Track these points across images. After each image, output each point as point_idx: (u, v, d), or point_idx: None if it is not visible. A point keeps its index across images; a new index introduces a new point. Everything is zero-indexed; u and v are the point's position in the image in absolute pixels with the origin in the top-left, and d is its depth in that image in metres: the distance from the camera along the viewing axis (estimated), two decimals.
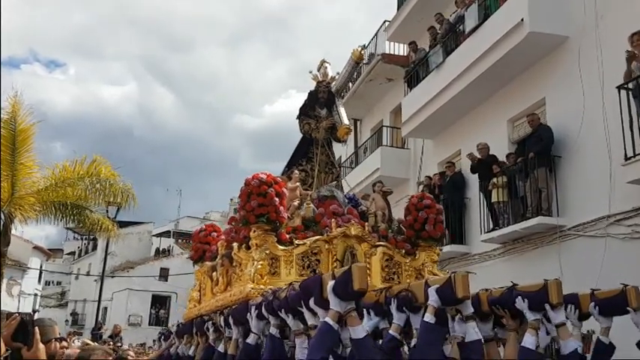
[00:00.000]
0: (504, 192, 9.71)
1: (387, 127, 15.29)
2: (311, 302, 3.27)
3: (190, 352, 5.54)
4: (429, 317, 3.13)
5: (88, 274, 38.01)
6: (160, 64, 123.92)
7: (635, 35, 7.54)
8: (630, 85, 7.50)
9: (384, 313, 3.71)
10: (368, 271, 4.53)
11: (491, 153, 10.30)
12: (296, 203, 5.80)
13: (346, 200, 6.30)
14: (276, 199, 5.14)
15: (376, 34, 16.15)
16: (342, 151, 13.85)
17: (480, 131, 11.05)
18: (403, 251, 5.74)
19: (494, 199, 9.90)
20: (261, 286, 4.82)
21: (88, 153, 13.72)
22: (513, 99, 10.49)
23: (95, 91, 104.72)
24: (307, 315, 3.39)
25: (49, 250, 37.55)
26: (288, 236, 5.35)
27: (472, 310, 3.25)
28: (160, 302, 34.54)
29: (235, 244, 5.51)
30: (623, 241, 7.85)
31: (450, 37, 11.59)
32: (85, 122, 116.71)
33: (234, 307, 4.73)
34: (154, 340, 23.66)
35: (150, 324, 33.20)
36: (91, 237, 35.78)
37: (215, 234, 6.69)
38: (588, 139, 8.66)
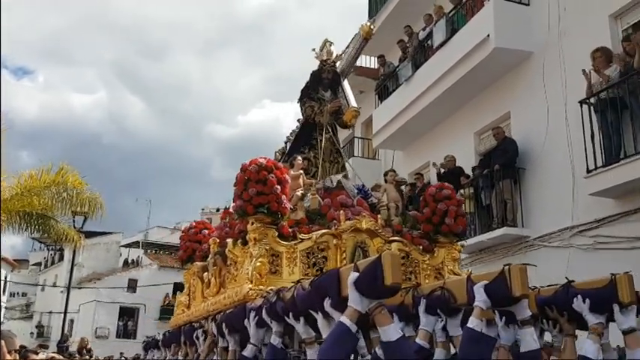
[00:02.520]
0: (471, 203, 9.87)
1: (358, 138, 15.44)
2: (326, 304, 2.62)
3: None
4: (475, 322, 2.54)
5: (54, 285, 37.21)
6: (131, 71, 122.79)
7: (597, 52, 7.77)
8: (592, 100, 7.72)
9: (408, 317, 3.16)
10: None
11: (458, 165, 10.47)
12: (299, 193, 5.15)
13: (355, 191, 5.66)
14: (278, 187, 4.52)
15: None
16: None
17: (447, 143, 11.22)
18: (420, 248, 5.14)
19: None
20: (261, 287, 4.22)
21: (56, 161, 13.42)
22: (479, 112, 10.70)
23: (64, 99, 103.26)
24: (321, 322, 2.71)
25: (15, 260, 36.70)
26: (290, 230, 4.72)
27: (529, 312, 2.67)
28: (128, 314, 33.95)
29: (230, 240, 4.89)
30: (586, 252, 8.04)
31: (419, 51, 11.79)
32: (54, 130, 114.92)
33: (228, 311, 4.16)
34: (121, 353, 23.27)
35: (117, 337, 32.61)
36: (58, 247, 35.11)
37: (206, 231, 6.09)
38: (552, 152, 8.87)
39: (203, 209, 43.35)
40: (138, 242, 39.72)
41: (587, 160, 7.60)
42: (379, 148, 13.95)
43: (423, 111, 11.37)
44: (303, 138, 6.14)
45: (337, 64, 6.34)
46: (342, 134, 16.80)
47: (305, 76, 6.35)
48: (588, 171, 7.59)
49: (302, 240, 4.70)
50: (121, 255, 39.13)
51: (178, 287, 32.75)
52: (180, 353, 5.08)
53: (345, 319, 2.36)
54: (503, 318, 2.76)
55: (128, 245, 39.57)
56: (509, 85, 10.03)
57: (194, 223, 6.40)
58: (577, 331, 3.11)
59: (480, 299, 2.59)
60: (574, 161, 8.27)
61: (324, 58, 6.25)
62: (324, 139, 5.97)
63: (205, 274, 5.27)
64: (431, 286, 3.09)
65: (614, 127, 7.38)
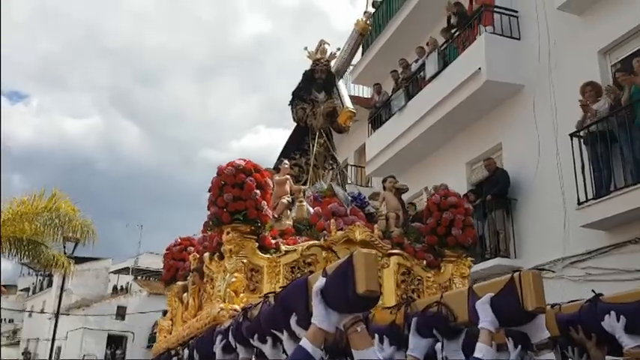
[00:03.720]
0: None
1: (352, 165, 15.56)
2: (292, 322, 2.16)
3: None
4: (483, 350, 2.04)
5: (42, 311, 36.72)
6: (126, 96, 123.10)
7: (587, 86, 7.93)
8: (582, 133, 7.85)
9: (401, 340, 2.60)
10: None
11: None
12: (285, 201, 4.67)
13: (349, 198, 5.03)
14: (257, 192, 4.03)
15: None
16: None
17: (439, 173, 11.30)
18: (424, 263, 4.56)
19: None
20: (235, 307, 3.64)
21: (49, 186, 13.46)
22: (471, 143, 10.82)
23: (58, 123, 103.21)
24: (287, 344, 2.29)
25: (3, 285, 36.25)
26: (273, 241, 4.21)
27: (547, 332, 2.14)
28: (116, 342, 33.46)
29: (207, 254, 4.39)
30: (578, 283, 8.08)
31: (412, 81, 11.96)
32: (47, 155, 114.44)
33: (200, 336, 3.74)
34: None
35: None
36: (47, 273, 34.74)
37: (192, 249, 5.42)
38: (543, 183, 8.97)
39: (195, 235, 43.05)
40: (128, 268, 39.38)
41: (577, 192, 7.69)
42: (372, 175, 14.04)
43: (416, 140, 11.48)
44: (294, 143, 5.65)
45: (332, 63, 5.89)
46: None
47: None
48: (579, 203, 7.68)
49: (286, 252, 4.17)
50: (110, 281, 38.74)
51: None
52: None
53: (305, 342, 1.86)
54: (518, 345, 2.31)
55: (118, 271, 39.21)
56: (500, 116, 10.17)
57: (179, 240, 5.83)
58: (608, 358, 2.62)
59: (486, 319, 2.07)
60: (565, 193, 8.36)
61: (318, 57, 5.80)
62: (316, 144, 5.49)
63: (185, 294, 4.80)
64: (425, 302, 2.58)
65: (604, 159, 7.50)
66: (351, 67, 15.87)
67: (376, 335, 2.56)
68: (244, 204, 4.00)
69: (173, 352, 4.44)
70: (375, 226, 4.61)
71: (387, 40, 13.76)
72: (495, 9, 10.01)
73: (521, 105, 9.75)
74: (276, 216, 4.45)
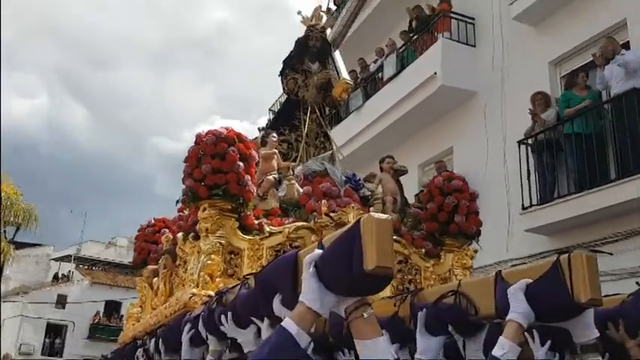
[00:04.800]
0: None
1: None
2: (276, 302, 1.75)
3: None
4: (506, 347, 1.63)
5: None
6: (76, 78, 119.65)
7: (538, 95, 8.22)
8: (530, 141, 8.13)
9: (405, 336, 2.19)
10: None
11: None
12: (272, 178, 4.24)
13: (343, 178, 4.66)
14: (240, 165, 3.60)
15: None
16: None
17: None
18: (423, 251, 4.22)
19: None
20: (210, 292, 3.20)
21: None
22: (424, 146, 11.03)
23: (2, 102, 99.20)
24: (266, 331, 1.94)
25: None
26: (256, 221, 3.79)
27: (596, 331, 1.75)
28: (55, 331, 32.57)
29: (180, 234, 3.99)
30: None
31: (370, 82, 12.10)
32: None
33: (167, 325, 3.41)
34: None
35: (43, 354, 31.19)
36: None
37: (167, 231, 4.93)
38: (491, 188, 9.23)
39: (142, 225, 42.24)
40: (70, 256, 38.33)
41: (522, 198, 7.96)
42: None
43: (372, 140, 11.62)
44: (283, 117, 5.23)
45: (327, 31, 5.51)
46: None
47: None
48: (524, 208, 7.95)
49: (270, 234, 3.75)
50: (50, 268, 37.62)
51: (110, 305, 31.77)
52: None
53: (289, 323, 1.40)
54: (547, 342, 1.85)
55: (59, 259, 38.12)
56: (453, 121, 10.41)
57: (153, 221, 5.40)
58: None
59: (518, 309, 1.68)
60: (510, 198, 8.64)
61: (312, 23, 5.34)
62: (307, 119, 5.03)
63: (155, 279, 4.37)
64: (438, 291, 2.17)
65: (550, 167, 7.78)
66: None
67: (420, 318, 2.12)
68: (225, 177, 3.55)
69: (140, 341, 4.05)
70: (371, 209, 4.15)
71: (347, 38, 13.86)
72: (453, 15, 10.24)
73: (473, 111, 10.00)
74: (260, 194, 4.05)
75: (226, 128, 3.71)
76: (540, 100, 8.17)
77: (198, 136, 3.72)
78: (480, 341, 2.01)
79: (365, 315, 1.44)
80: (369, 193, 4.65)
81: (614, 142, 7.14)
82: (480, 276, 2.11)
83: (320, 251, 1.52)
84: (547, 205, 7.64)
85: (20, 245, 21.83)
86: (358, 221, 1.47)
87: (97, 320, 31.32)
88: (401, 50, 11.21)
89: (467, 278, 2.65)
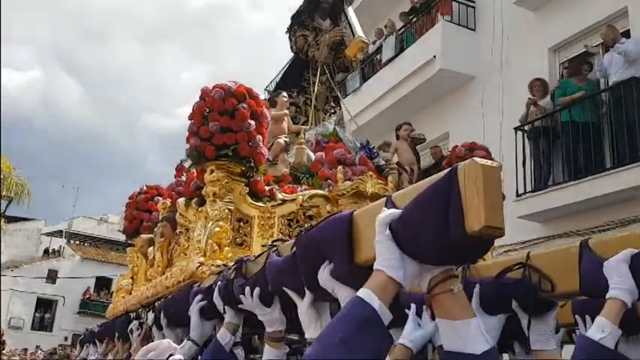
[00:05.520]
0: None
1: None
2: (323, 274, 1.41)
3: None
4: (608, 329, 1.37)
5: None
6: (70, 53, 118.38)
7: (537, 82, 8.17)
8: (526, 128, 8.10)
9: None
10: None
11: None
12: (282, 141, 3.94)
13: (358, 145, 4.32)
14: (251, 123, 3.20)
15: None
16: None
17: None
18: None
19: None
20: (218, 262, 2.95)
21: None
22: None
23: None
24: (305, 308, 1.58)
25: None
26: (267, 188, 3.46)
27: None
28: (45, 306, 32.59)
29: (181, 200, 3.63)
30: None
31: (368, 63, 12.00)
32: None
33: (170, 297, 3.10)
34: (37, 347, 22.33)
35: (33, 328, 31.25)
36: None
37: (160, 199, 4.57)
38: None
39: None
40: (61, 231, 38.23)
41: (517, 185, 7.96)
42: None
43: (368, 123, 11.54)
44: (292, 78, 4.86)
45: None
46: None
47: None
48: (518, 195, 7.95)
49: (283, 202, 3.43)
50: (42, 243, 37.54)
51: (101, 281, 31.78)
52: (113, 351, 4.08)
53: (368, 294, 1.08)
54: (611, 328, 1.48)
55: (50, 234, 38.03)
56: (450, 106, 10.36)
57: (145, 188, 4.99)
58: None
59: (622, 285, 1.40)
60: (505, 185, 8.62)
61: None
62: (317, 81, 4.65)
63: (150, 249, 4.04)
64: (498, 264, 1.87)
65: (545, 155, 7.77)
66: None
67: (412, 306, 1.85)
68: (234, 137, 3.17)
69: (133, 314, 3.79)
70: (389, 179, 3.82)
71: None
72: None
73: (470, 96, 9.95)
74: (270, 158, 3.70)
75: (235, 82, 3.29)
76: (539, 87, 8.13)
77: (204, 91, 3.30)
78: (549, 322, 1.77)
79: (455, 290, 1.16)
80: (384, 162, 4.31)
81: (611, 130, 7.13)
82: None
83: (396, 210, 1.18)
84: (541, 192, 7.64)
85: (11, 219, 21.73)
86: (453, 170, 1.13)
87: (87, 296, 31.37)
88: (400, 32, 11.11)
89: (537, 251, 1.92)
